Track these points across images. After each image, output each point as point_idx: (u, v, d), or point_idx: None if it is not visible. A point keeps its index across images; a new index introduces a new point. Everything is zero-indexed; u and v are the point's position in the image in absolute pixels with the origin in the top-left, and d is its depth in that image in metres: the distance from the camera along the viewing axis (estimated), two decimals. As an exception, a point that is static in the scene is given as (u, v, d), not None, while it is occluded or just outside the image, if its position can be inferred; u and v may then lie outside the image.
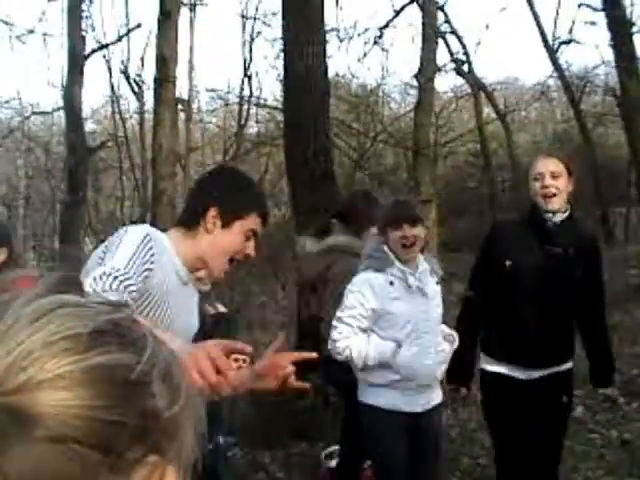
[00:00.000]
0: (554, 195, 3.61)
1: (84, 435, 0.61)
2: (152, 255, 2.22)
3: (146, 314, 2.28)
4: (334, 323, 3.59)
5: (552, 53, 14.61)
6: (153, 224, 11.42)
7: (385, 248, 3.61)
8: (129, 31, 15.45)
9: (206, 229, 2.38)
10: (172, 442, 0.66)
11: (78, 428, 0.61)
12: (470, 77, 16.18)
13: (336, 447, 5.04)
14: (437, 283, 3.72)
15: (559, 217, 3.66)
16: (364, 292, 3.56)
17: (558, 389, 3.75)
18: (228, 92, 17.34)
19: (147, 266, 2.20)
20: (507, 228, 3.96)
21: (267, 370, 2.10)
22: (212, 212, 2.38)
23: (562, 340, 3.72)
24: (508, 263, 3.69)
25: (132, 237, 2.22)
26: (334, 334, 3.57)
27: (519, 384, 3.72)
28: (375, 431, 3.76)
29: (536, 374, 3.71)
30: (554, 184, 3.62)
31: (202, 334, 2.53)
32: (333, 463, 4.96)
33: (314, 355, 2.25)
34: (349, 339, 3.55)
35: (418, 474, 3.74)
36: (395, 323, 3.56)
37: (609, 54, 12.92)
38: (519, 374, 3.72)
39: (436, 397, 3.73)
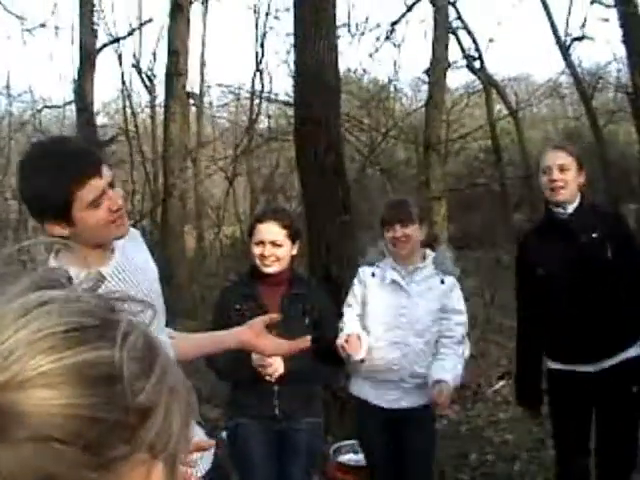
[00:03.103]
0: (561, 188, 3.59)
1: (67, 434, 0.60)
2: None
3: None
4: None
5: (564, 49, 14.51)
6: (163, 219, 11.45)
7: (382, 243, 3.82)
8: (141, 25, 15.46)
9: (65, 238, 2.01)
10: (150, 432, 0.65)
11: (61, 427, 0.60)
12: (482, 73, 16.10)
13: (343, 443, 5.04)
14: (442, 282, 3.73)
15: (570, 208, 3.63)
16: (354, 282, 3.82)
17: (627, 378, 3.62)
18: (239, 87, 17.30)
19: None
20: (529, 236, 3.91)
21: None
22: (49, 228, 2.02)
23: (617, 326, 3.59)
24: (539, 270, 3.66)
25: None
26: (340, 323, 3.73)
27: (587, 377, 3.63)
28: (358, 420, 4.01)
29: (605, 364, 3.61)
30: (562, 177, 3.60)
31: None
32: (341, 458, 4.96)
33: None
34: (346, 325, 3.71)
35: (401, 471, 3.81)
36: (369, 312, 3.75)
37: (621, 51, 12.87)
38: (585, 368, 3.63)
39: (414, 399, 3.71)
